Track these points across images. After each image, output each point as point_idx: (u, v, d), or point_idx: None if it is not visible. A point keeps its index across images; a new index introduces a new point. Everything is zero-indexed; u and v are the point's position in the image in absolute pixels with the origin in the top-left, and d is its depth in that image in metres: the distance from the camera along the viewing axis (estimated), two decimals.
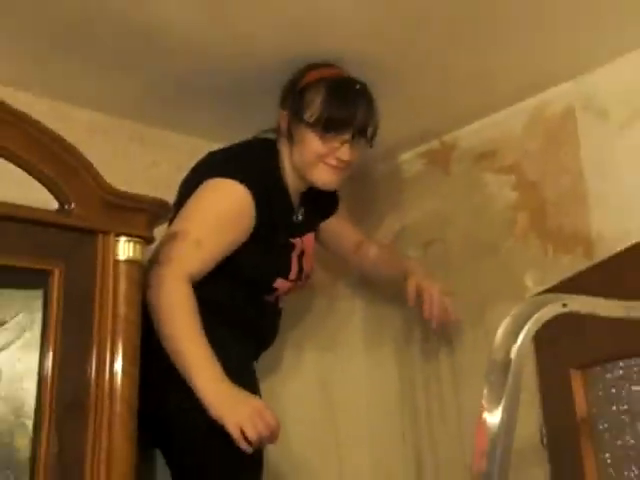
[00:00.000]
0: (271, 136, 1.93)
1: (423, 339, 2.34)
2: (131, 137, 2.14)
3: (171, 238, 1.68)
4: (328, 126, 1.79)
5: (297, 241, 1.93)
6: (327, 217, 2.14)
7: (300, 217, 1.99)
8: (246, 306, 1.85)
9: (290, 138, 1.85)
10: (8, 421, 1.31)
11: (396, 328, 2.45)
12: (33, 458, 1.27)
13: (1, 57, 1.85)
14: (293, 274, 1.91)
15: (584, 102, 2.03)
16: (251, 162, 1.84)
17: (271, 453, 1.95)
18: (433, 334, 2.24)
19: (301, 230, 1.97)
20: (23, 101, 1.41)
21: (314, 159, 1.82)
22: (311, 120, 1.79)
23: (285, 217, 1.90)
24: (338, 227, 2.20)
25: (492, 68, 2.01)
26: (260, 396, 1.74)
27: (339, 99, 1.81)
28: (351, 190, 2.18)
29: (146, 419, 1.45)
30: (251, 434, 1.54)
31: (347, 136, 1.81)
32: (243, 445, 1.55)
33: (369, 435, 2.46)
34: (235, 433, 1.54)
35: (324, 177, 1.85)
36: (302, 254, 1.95)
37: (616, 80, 1.97)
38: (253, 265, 1.81)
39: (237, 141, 1.94)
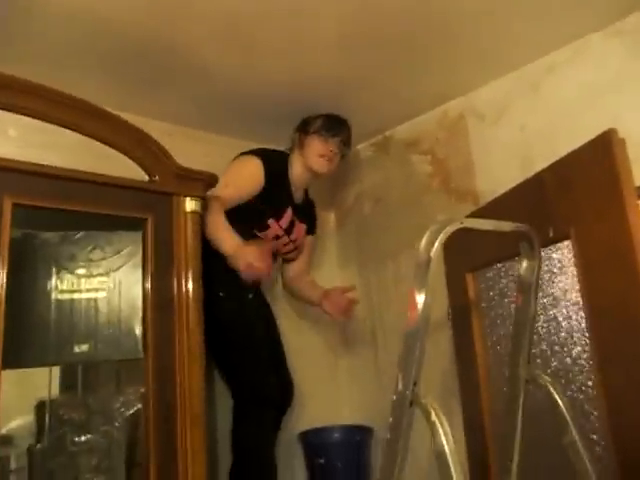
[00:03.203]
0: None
1: (377, 260, 2.36)
2: (190, 137, 2.13)
3: (217, 187, 1.64)
4: (327, 129, 1.89)
5: (292, 215, 1.91)
6: (309, 230, 2.06)
7: (299, 201, 1.98)
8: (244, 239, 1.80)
9: (301, 146, 1.92)
10: (127, 311, 1.35)
11: (359, 255, 2.47)
12: (144, 333, 1.33)
13: (115, 91, 1.83)
14: (284, 223, 1.88)
15: (470, 109, 2.06)
16: (269, 154, 1.87)
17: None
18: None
19: (298, 212, 1.95)
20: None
21: (316, 156, 1.89)
22: (315, 129, 1.90)
23: (287, 195, 1.91)
24: (305, 246, 2.07)
25: (415, 90, 2.03)
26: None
27: (333, 118, 1.93)
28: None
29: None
30: (258, 265, 1.57)
31: (338, 139, 1.91)
32: (246, 276, 1.60)
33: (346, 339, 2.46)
34: (243, 267, 1.58)
35: (322, 166, 1.91)
36: (293, 224, 1.92)
37: (489, 96, 2.00)
38: (256, 206, 1.80)
39: (258, 139, 1.99)
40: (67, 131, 1.25)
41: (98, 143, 1.30)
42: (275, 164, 1.87)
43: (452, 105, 2.12)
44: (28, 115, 1.20)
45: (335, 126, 1.93)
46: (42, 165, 1.21)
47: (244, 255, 1.59)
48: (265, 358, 1.77)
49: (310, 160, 1.91)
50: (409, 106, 2.17)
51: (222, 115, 2.09)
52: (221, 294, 1.69)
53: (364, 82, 1.94)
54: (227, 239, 1.64)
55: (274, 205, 1.87)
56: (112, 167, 1.31)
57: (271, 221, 1.85)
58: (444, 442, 0.92)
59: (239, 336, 1.71)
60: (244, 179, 1.80)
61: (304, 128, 1.94)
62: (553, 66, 1.81)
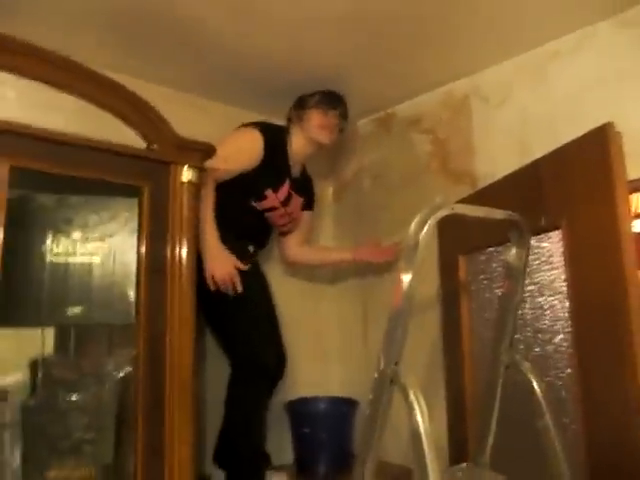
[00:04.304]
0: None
1: (373, 237, 2.31)
2: (187, 104, 2.12)
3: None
4: (326, 103, 1.93)
5: (290, 189, 1.93)
6: (307, 205, 2.08)
7: (297, 175, 2.00)
8: (238, 211, 1.82)
9: (300, 120, 1.94)
10: (121, 276, 1.38)
11: (355, 231, 2.48)
12: (137, 298, 1.36)
13: (115, 53, 1.83)
14: (281, 195, 1.90)
15: (475, 91, 2.05)
16: (269, 126, 1.88)
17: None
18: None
19: (296, 186, 1.97)
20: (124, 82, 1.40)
21: (317, 128, 1.92)
22: (313, 103, 1.93)
23: (285, 168, 1.93)
24: (303, 221, 2.10)
25: (419, 68, 2.03)
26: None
27: (330, 93, 1.97)
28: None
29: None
30: (218, 280, 1.67)
31: (336, 112, 1.95)
32: (210, 284, 1.67)
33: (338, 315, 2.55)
34: (208, 277, 1.66)
35: (324, 136, 1.94)
36: (290, 197, 1.94)
37: (493, 78, 1.99)
38: (254, 176, 1.82)
39: (256, 109, 1.99)
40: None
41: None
42: (275, 137, 1.88)
43: (457, 85, 2.11)
44: (27, 77, 1.20)
45: (333, 99, 1.96)
46: (41, 128, 1.21)
47: (215, 264, 1.67)
48: (263, 329, 1.82)
49: (312, 131, 1.93)
50: (413, 84, 2.16)
51: (220, 83, 2.08)
52: None
53: (367, 58, 1.94)
54: (209, 234, 1.68)
55: (272, 177, 1.89)
56: (113, 132, 1.32)
57: (269, 191, 1.87)
58: (420, 422, 0.95)
59: (238, 307, 1.74)
60: (243, 152, 1.81)
61: (301, 104, 1.96)
62: (558, 53, 1.80)
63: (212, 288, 1.67)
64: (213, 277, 1.67)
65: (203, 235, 1.66)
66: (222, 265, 1.68)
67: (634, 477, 1.12)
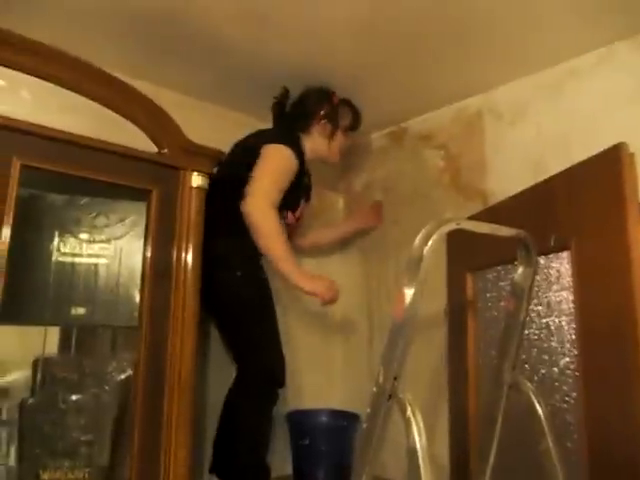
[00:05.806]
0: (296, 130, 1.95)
1: (380, 251, 2.36)
2: (198, 109, 2.12)
3: (259, 180, 1.67)
4: (355, 128, 2.01)
5: (302, 200, 1.95)
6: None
7: (307, 182, 1.99)
8: None
9: (326, 135, 1.94)
10: (126, 279, 1.38)
11: (362, 243, 2.47)
12: (141, 302, 1.35)
13: (128, 58, 1.83)
14: (298, 214, 1.92)
15: (488, 107, 2.04)
16: (294, 143, 1.84)
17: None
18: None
19: (306, 194, 1.98)
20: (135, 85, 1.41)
21: (337, 153, 1.99)
22: (346, 126, 1.97)
23: (303, 180, 1.92)
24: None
25: (433, 85, 2.03)
26: None
27: (359, 117, 2.00)
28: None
29: (208, 293, 1.48)
30: (325, 295, 1.68)
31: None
32: (323, 304, 1.71)
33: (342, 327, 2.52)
34: (313, 294, 1.67)
35: (338, 158, 2.01)
36: (302, 210, 1.97)
37: (508, 95, 1.98)
38: (282, 201, 1.78)
39: (259, 113, 2.03)
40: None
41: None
42: (300, 154, 1.86)
43: (471, 102, 2.10)
44: (42, 78, 1.22)
45: (360, 123, 2.01)
46: (52, 129, 1.23)
47: (319, 286, 1.69)
48: (278, 338, 1.78)
49: (332, 152, 1.97)
50: (426, 99, 2.15)
51: (233, 90, 2.08)
52: (239, 274, 1.71)
53: (380, 72, 1.93)
54: (287, 262, 1.67)
55: (293, 197, 1.88)
56: (125, 135, 1.32)
57: (288, 213, 1.87)
58: (417, 439, 0.93)
59: (258, 315, 1.72)
60: (285, 173, 1.78)
61: (334, 119, 1.93)
62: (576, 71, 1.78)
63: (323, 305, 1.73)
64: (324, 298, 1.70)
65: (287, 266, 1.66)
66: (327, 286, 1.70)
67: None
